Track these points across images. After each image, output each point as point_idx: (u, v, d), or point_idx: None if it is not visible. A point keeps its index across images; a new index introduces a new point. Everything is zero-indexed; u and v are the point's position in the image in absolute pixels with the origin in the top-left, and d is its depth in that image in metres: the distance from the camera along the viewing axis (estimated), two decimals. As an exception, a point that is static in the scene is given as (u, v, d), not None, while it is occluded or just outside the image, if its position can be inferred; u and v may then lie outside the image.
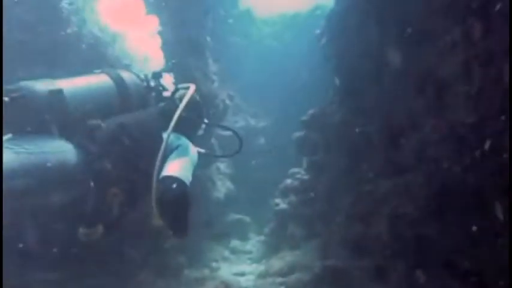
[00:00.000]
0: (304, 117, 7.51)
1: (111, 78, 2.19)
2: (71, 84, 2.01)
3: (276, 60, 11.94)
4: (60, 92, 1.93)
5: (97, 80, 2.15)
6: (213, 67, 7.92)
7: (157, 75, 2.51)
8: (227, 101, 8.59)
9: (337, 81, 6.79)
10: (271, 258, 7.17)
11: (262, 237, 8.46)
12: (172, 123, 2.09)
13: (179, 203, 2.06)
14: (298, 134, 7.74)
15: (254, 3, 13.31)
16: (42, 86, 1.91)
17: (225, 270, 7.04)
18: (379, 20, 5.59)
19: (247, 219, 9.35)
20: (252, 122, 11.56)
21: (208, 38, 7.81)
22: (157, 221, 2.05)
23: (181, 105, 2.17)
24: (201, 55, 7.28)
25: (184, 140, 2.25)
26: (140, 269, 5.24)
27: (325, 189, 6.81)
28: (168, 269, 5.84)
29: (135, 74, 2.38)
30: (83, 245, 2.06)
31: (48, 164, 1.79)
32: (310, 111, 7.45)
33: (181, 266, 6.18)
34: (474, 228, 3.95)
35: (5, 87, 1.86)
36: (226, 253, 8.17)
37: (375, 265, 5.06)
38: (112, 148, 2.00)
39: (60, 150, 1.87)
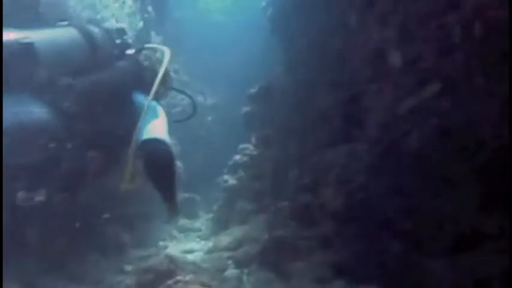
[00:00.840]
0: (252, 90, 7.37)
1: (80, 31, 2.04)
2: (39, 36, 1.85)
3: (224, 35, 11.66)
4: (31, 45, 1.78)
5: (66, 33, 2.00)
6: (156, 39, 7.54)
7: (121, 32, 2.35)
8: (171, 74, 8.24)
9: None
10: (219, 234, 7.07)
11: (211, 215, 8.34)
12: (154, 89, 2.04)
13: (169, 165, 2.05)
14: (245, 108, 7.59)
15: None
16: (10, 37, 1.75)
17: (173, 249, 6.86)
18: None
19: (196, 197, 9.17)
20: (200, 99, 11.26)
21: (150, 8, 7.42)
22: (127, 186, 2.00)
23: (162, 70, 2.14)
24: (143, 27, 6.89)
25: (152, 102, 2.17)
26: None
27: (274, 164, 6.77)
28: (110, 248, 5.58)
29: (102, 28, 2.23)
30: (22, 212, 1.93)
31: (23, 124, 1.69)
32: (258, 85, 7.32)
33: (125, 245, 5.94)
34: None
35: None
36: (174, 232, 7.98)
37: (321, 234, 5.08)
38: (86, 108, 1.89)
39: (34, 109, 1.76)
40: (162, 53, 2.31)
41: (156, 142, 2.03)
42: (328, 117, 5.61)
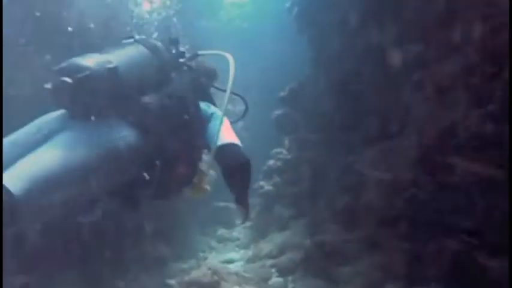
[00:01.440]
0: (282, 93, 7.22)
1: (147, 47, 2.07)
2: (118, 59, 1.88)
3: (247, 40, 11.61)
4: (116, 69, 1.81)
5: (136, 51, 2.02)
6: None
7: (175, 42, 2.32)
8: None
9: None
10: (259, 242, 6.92)
11: (248, 223, 8.19)
12: (225, 100, 2.12)
13: (247, 168, 2.14)
14: (277, 112, 7.44)
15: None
16: (95, 62, 1.78)
17: (213, 260, 6.76)
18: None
19: (232, 205, 9.05)
20: (229, 106, 11.17)
21: (175, 19, 7.41)
22: (201, 194, 2.18)
23: (230, 80, 2.18)
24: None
25: (214, 108, 2.28)
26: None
27: (310, 166, 6.58)
28: (151, 262, 5.52)
29: (161, 41, 2.26)
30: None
31: (120, 150, 1.75)
32: (288, 87, 7.17)
33: (165, 258, 5.87)
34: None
35: (57, 67, 1.74)
36: (213, 243, 7.89)
37: (367, 236, 4.86)
38: (166, 124, 1.96)
39: (126, 133, 1.80)
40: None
41: (233, 146, 2.12)
42: (365, 116, 5.40)
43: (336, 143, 6.02)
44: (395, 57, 4.66)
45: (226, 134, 2.15)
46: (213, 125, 2.15)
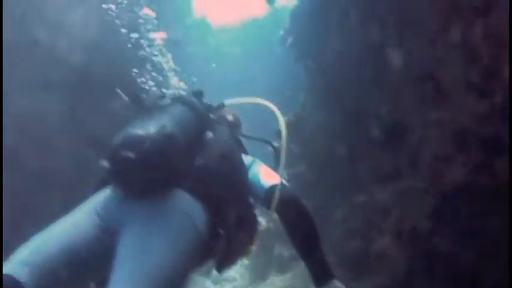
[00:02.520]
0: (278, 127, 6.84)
1: (185, 105, 1.93)
2: (169, 123, 1.72)
3: (237, 66, 11.38)
4: (174, 136, 1.65)
5: (179, 111, 1.88)
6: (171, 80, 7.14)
7: (199, 94, 2.12)
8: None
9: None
10: (258, 285, 6.44)
11: (245, 261, 7.72)
12: (282, 158, 2.00)
13: (305, 211, 1.88)
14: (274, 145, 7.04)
15: (209, 11, 12.81)
16: (151, 131, 1.61)
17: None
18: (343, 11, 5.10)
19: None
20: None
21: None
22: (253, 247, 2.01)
23: (284, 136, 2.05)
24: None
25: (250, 157, 2.11)
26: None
27: (312, 204, 6.17)
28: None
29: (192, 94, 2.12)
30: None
31: (195, 233, 1.59)
32: (284, 118, 6.80)
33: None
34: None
35: (112, 142, 1.60)
36: (207, 284, 7.39)
37: (378, 286, 4.46)
38: (222, 186, 1.78)
39: (188, 209, 1.62)
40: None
41: (281, 187, 1.88)
42: (371, 150, 5.05)
43: (339, 178, 5.66)
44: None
45: (271, 176, 1.96)
46: (254, 172, 1.97)
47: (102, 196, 1.70)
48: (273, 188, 1.86)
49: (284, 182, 1.92)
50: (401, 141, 4.42)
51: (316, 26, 5.92)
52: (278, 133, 2.14)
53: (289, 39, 6.48)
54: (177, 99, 1.96)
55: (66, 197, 1.76)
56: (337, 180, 5.63)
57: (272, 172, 1.99)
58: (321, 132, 5.96)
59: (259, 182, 1.93)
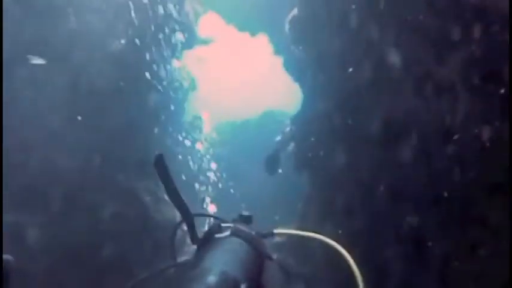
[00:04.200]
0: (276, 239, 6.36)
1: (242, 238, 1.82)
2: (231, 265, 1.64)
3: (229, 169, 11.18)
4: (238, 283, 1.54)
5: (237, 247, 1.77)
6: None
7: (249, 220, 1.99)
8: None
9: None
10: None
11: None
12: None
13: None
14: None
15: (202, 111, 12.96)
16: (212, 280, 1.49)
17: None
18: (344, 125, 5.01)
19: None
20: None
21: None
22: None
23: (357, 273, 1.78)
24: (149, 175, 6.13)
25: None
26: None
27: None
28: None
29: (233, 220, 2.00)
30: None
31: None
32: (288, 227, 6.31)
33: None
34: None
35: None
36: None
37: None
38: None
39: None
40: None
41: None
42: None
43: None
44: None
45: None
46: None
47: None
48: None
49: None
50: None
51: (320, 134, 5.78)
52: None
53: (291, 146, 6.28)
54: (233, 233, 1.85)
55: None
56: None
57: None
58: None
59: None
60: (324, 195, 5.84)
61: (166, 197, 5.05)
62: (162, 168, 1.68)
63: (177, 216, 1.95)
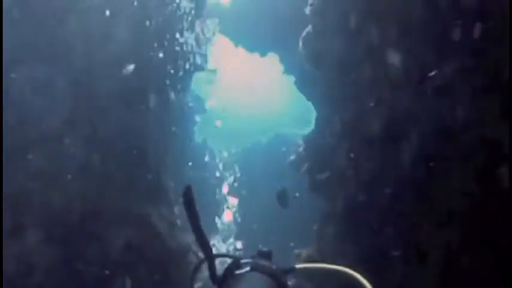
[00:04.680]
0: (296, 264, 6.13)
1: (265, 273, 1.76)
2: None
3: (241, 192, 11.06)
4: None
5: (260, 280, 1.72)
6: (178, 212, 6.53)
7: (269, 256, 1.88)
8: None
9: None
10: None
11: None
12: None
13: None
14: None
15: (209, 134, 12.91)
16: None
17: None
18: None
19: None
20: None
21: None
22: None
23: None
24: (162, 200, 5.99)
25: None
26: None
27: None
28: None
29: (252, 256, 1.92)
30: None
31: None
32: (302, 253, 6.10)
33: None
34: None
35: None
36: None
37: None
38: None
39: None
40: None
41: None
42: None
43: None
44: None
45: None
46: None
47: None
48: None
49: None
50: None
51: (332, 155, 5.63)
52: None
53: (305, 167, 6.14)
54: (254, 267, 1.78)
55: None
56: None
57: None
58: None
59: None
60: (343, 214, 5.65)
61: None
62: (189, 201, 1.63)
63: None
